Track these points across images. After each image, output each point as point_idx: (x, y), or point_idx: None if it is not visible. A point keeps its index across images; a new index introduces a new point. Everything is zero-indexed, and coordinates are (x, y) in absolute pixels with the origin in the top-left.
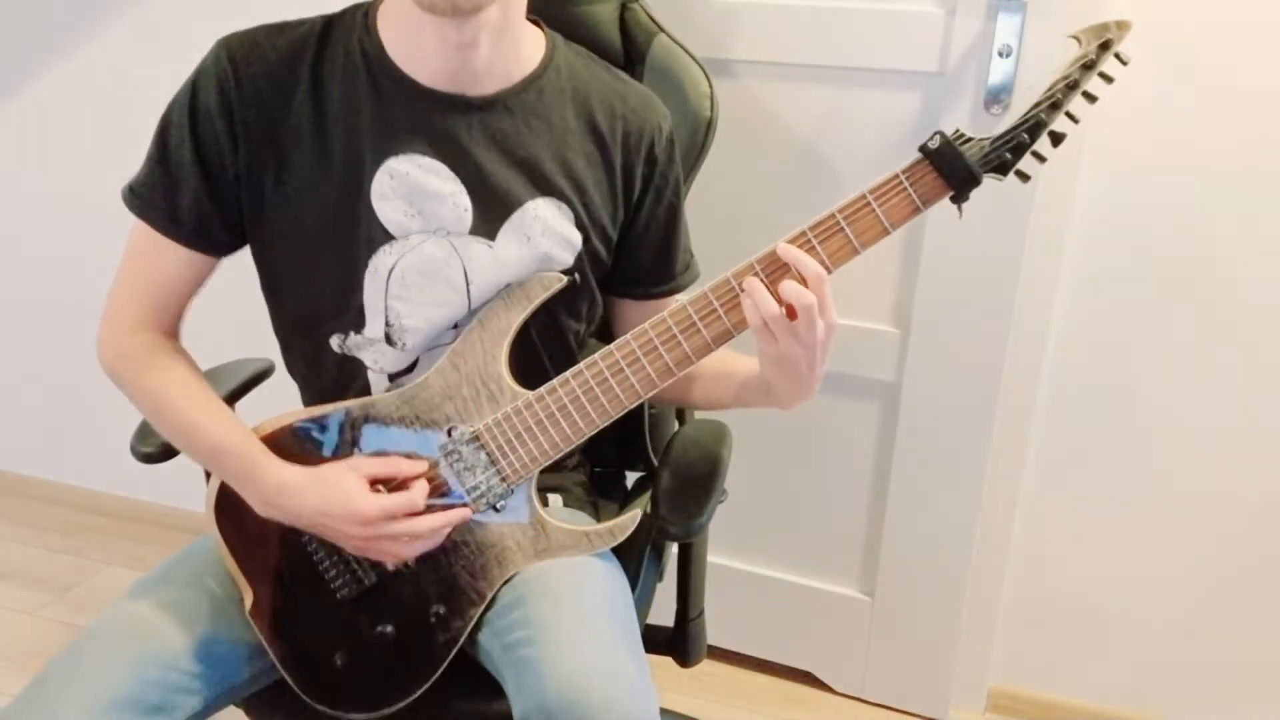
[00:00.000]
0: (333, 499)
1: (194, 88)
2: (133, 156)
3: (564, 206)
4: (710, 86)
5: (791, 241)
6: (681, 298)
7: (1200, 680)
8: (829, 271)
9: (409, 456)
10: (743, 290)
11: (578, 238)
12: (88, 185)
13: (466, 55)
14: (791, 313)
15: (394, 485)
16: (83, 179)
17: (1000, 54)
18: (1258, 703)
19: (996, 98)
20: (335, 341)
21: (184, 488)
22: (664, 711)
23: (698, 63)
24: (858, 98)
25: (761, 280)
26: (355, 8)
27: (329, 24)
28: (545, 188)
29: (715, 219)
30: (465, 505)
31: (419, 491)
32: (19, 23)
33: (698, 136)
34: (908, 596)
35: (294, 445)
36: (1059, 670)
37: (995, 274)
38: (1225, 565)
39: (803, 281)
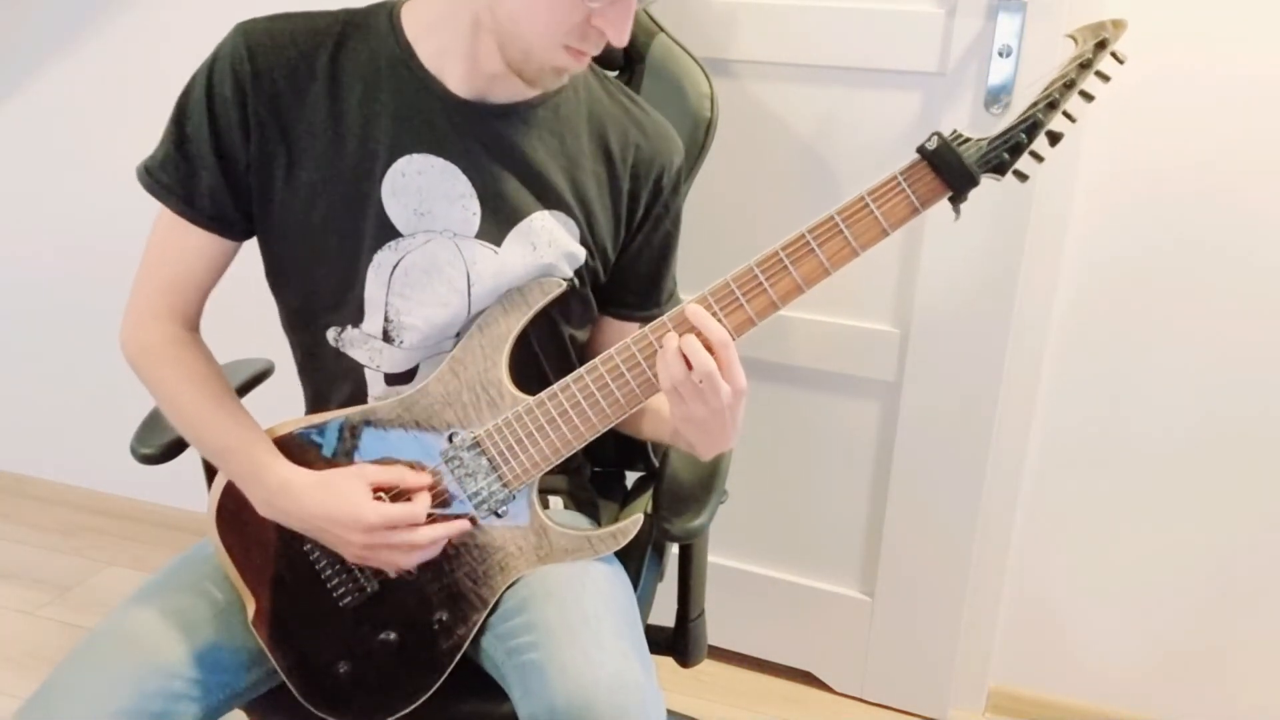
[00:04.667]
0: (336, 503)
1: (210, 73)
2: (135, 155)
3: (570, 222)
4: (710, 87)
5: (790, 244)
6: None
7: (1200, 680)
8: (831, 272)
9: (413, 466)
10: (660, 347)
11: (581, 254)
12: (86, 185)
13: (484, 48)
14: None
15: (397, 495)
16: (81, 179)
17: (1000, 54)
18: (1258, 702)
19: (996, 98)
20: (332, 335)
21: (184, 488)
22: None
23: (698, 63)
24: (858, 98)
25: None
26: (379, 5)
27: (350, 19)
28: (552, 202)
29: (715, 219)
30: (466, 516)
31: (422, 503)
32: (19, 20)
33: (697, 137)
34: (908, 596)
35: (295, 451)
36: (1059, 670)
37: (995, 274)
38: (1225, 565)
39: (709, 345)
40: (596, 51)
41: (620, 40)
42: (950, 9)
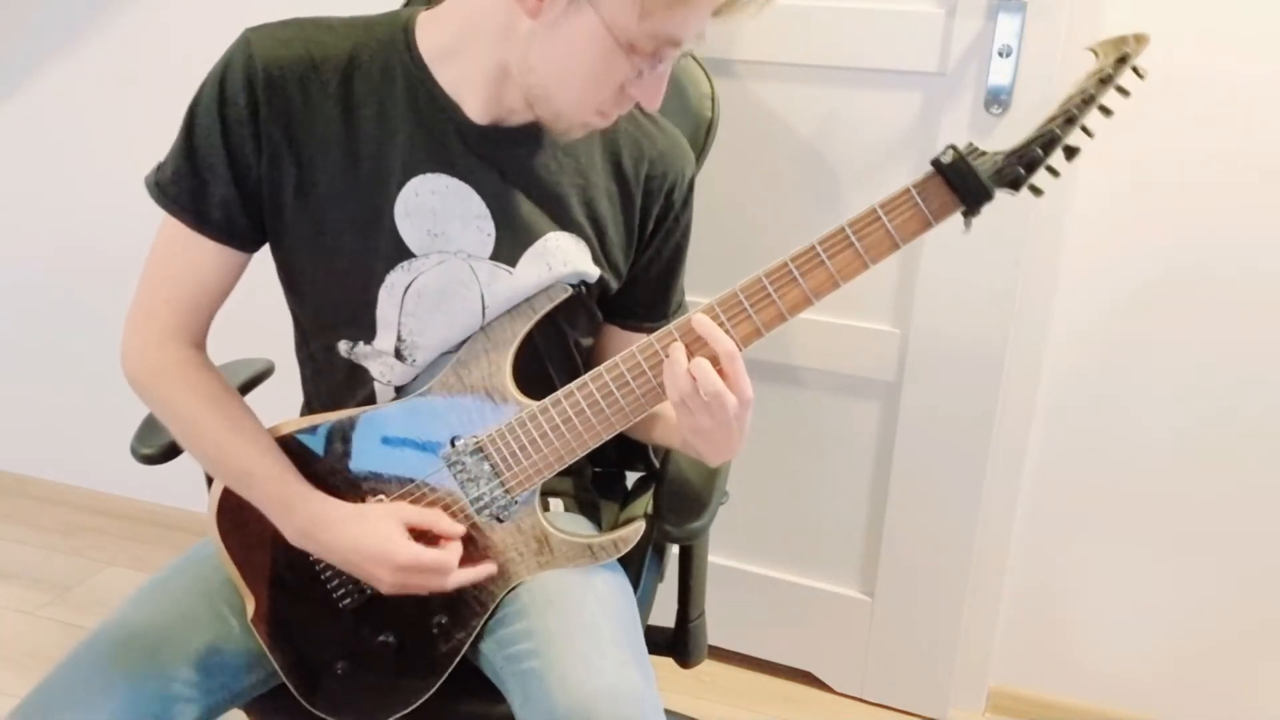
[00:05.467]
0: (369, 538)
1: (221, 82)
2: (135, 154)
3: (582, 243)
4: (711, 87)
5: (800, 256)
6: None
7: (1200, 680)
8: (840, 284)
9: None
10: (667, 357)
11: (595, 273)
12: (88, 185)
13: (507, 89)
14: None
15: (430, 537)
16: (81, 179)
17: (1000, 54)
18: (1258, 702)
19: (996, 98)
20: (344, 346)
21: (184, 488)
22: (665, 712)
23: (699, 63)
24: (858, 98)
25: (684, 347)
26: (394, 19)
27: (364, 32)
28: (566, 223)
29: (715, 219)
30: (490, 561)
31: (453, 551)
32: (19, 20)
33: (698, 137)
34: (908, 596)
35: (292, 453)
36: (1059, 670)
37: (995, 273)
38: (1225, 564)
39: (715, 357)
40: (625, 111)
41: (654, 106)
42: (950, 9)
